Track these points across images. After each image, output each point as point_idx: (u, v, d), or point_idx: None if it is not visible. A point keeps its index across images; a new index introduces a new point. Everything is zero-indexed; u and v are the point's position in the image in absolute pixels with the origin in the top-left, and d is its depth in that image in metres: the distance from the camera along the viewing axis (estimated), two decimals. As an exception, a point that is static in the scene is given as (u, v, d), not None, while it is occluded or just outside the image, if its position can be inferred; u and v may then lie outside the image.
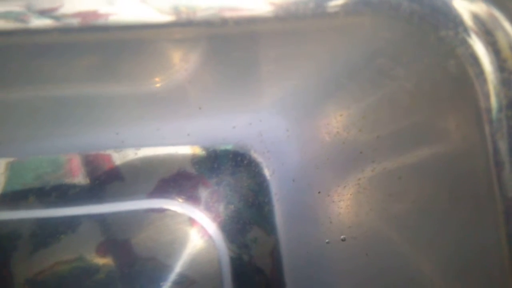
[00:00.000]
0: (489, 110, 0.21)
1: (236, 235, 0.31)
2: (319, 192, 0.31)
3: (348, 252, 0.30)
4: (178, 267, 0.31)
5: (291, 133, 0.31)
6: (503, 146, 0.21)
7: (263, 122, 0.31)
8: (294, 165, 0.31)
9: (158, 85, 0.27)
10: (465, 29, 0.21)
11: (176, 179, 0.31)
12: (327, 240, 0.30)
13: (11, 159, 0.30)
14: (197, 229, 0.31)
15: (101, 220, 0.30)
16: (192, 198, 0.31)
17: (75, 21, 0.21)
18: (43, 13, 0.21)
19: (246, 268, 0.31)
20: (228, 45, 0.24)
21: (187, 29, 0.22)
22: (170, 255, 0.31)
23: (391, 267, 0.29)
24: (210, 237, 0.31)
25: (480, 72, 0.21)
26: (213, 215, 0.31)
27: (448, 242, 0.25)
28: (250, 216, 0.31)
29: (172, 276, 0.31)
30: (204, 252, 0.31)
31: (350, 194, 0.30)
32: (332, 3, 0.21)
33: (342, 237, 0.30)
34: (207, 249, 0.31)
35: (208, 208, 0.31)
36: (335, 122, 0.30)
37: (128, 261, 0.30)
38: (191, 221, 0.31)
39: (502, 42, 0.21)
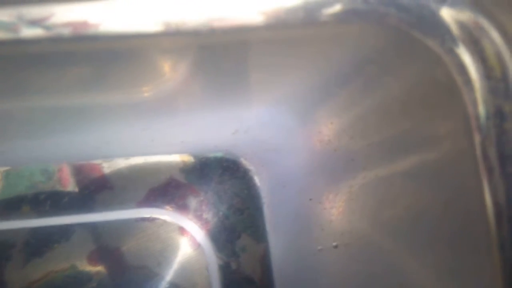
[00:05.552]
0: (477, 117, 0.21)
1: (225, 243, 0.31)
2: (310, 199, 0.31)
3: (341, 259, 0.30)
4: (168, 276, 0.31)
5: (282, 140, 0.31)
6: (492, 152, 0.21)
7: (253, 129, 0.31)
8: (285, 172, 0.31)
9: (147, 94, 0.27)
10: (452, 38, 0.21)
11: (166, 188, 0.31)
12: (319, 247, 0.30)
13: (5, 168, 0.30)
14: (186, 238, 0.31)
15: (93, 228, 0.30)
16: (182, 207, 0.31)
17: (66, 31, 0.21)
18: (34, 23, 0.21)
19: (236, 276, 0.31)
20: (218, 54, 0.24)
21: (177, 38, 0.22)
22: (161, 263, 0.31)
23: (384, 273, 0.29)
24: (199, 245, 0.31)
25: (468, 80, 0.21)
26: (203, 223, 0.31)
27: (439, 248, 0.25)
28: (240, 224, 0.31)
29: (163, 285, 0.31)
30: (194, 260, 0.31)
31: (342, 201, 0.30)
32: (321, 13, 0.21)
33: (334, 244, 0.30)
34: (197, 257, 0.31)
35: (197, 217, 0.31)
36: (326, 129, 0.30)
37: (119, 270, 0.30)
38: (181, 230, 0.31)
39: (489, 51, 0.21)
